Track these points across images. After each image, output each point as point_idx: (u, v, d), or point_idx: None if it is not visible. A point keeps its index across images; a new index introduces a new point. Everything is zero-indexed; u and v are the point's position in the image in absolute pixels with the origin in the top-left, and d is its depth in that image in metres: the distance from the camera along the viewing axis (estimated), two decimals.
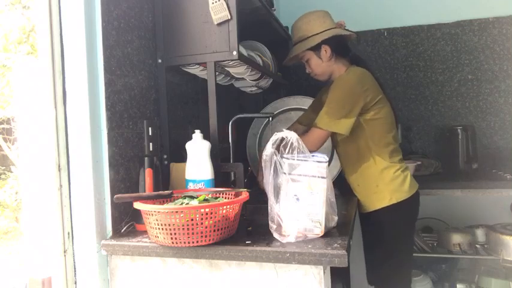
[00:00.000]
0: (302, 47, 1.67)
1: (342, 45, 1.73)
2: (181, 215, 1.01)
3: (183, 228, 1.02)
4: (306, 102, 2.02)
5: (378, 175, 1.64)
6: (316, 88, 2.34)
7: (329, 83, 1.78)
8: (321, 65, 1.69)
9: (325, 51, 1.67)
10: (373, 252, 1.77)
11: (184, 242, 1.03)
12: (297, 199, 1.08)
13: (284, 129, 1.14)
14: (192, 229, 1.02)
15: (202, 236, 1.03)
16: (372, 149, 1.64)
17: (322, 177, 1.09)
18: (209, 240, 1.04)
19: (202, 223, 1.02)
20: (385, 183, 1.63)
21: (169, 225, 1.02)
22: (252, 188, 1.36)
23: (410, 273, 1.78)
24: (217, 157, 1.39)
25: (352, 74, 1.63)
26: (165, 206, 1.11)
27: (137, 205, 1.08)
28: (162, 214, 1.02)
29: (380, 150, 1.65)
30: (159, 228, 1.04)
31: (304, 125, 1.88)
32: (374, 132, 1.63)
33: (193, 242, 1.03)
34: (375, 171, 1.64)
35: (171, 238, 1.03)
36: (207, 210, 1.02)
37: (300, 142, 1.12)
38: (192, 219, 1.01)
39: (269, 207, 1.11)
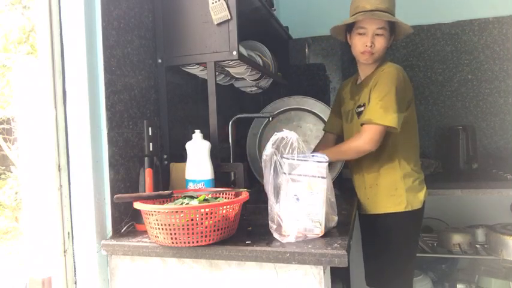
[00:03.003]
0: (393, 19, 1.56)
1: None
2: (181, 215, 1.01)
3: (183, 228, 1.02)
4: (306, 102, 2.02)
5: (399, 179, 1.61)
6: (317, 88, 2.33)
7: (349, 77, 1.72)
8: (386, 48, 1.62)
9: (390, 39, 1.64)
10: (377, 255, 1.72)
11: (184, 242, 1.03)
12: (297, 199, 1.08)
13: (284, 129, 1.14)
14: (192, 229, 1.02)
15: (202, 236, 1.03)
16: (399, 151, 1.60)
17: (322, 177, 1.09)
18: (209, 240, 1.04)
19: (202, 223, 1.02)
20: (405, 189, 1.60)
21: (169, 225, 1.02)
22: (252, 188, 1.36)
23: (412, 277, 1.77)
24: (217, 157, 1.39)
25: (397, 68, 1.58)
26: (165, 206, 1.11)
27: (137, 205, 1.08)
28: (162, 214, 1.02)
29: (407, 154, 1.62)
30: (159, 228, 1.04)
31: (334, 134, 1.84)
32: (405, 134, 1.58)
33: (193, 242, 1.03)
34: (398, 175, 1.61)
35: (171, 238, 1.03)
36: (207, 210, 1.02)
37: (300, 142, 1.12)
38: (192, 219, 1.01)
39: (269, 207, 1.11)
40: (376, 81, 1.54)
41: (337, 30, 1.71)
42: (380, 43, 1.58)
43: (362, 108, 1.62)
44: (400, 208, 1.60)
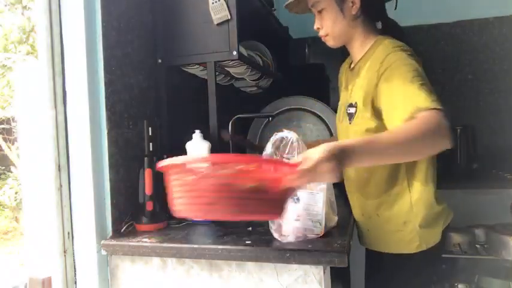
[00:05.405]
0: None
1: (377, 2, 1.26)
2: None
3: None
4: (306, 102, 2.02)
5: (409, 207, 1.19)
6: (317, 88, 2.32)
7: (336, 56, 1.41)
8: (340, 22, 1.21)
9: (353, 3, 1.20)
10: None
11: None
12: (297, 199, 1.08)
13: (284, 129, 1.14)
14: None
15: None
16: (407, 166, 1.18)
17: None
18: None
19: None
20: (417, 221, 1.19)
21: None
22: None
23: None
24: None
25: (400, 46, 1.15)
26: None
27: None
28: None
29: (418, 168, 1.19)
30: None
31: None
32: None
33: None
34: (407, 201, 1.20)
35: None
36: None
37: (300, 142, 1.12)
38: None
39: None
40: (385, 68, 1.11)
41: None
42: (325, 20, 1.22)
43: (353, 110, 1.22)
44: (411, 249, 1.20)
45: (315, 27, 1.27)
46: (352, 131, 1.23)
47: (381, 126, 1.13)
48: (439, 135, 0.92)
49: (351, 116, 1.23)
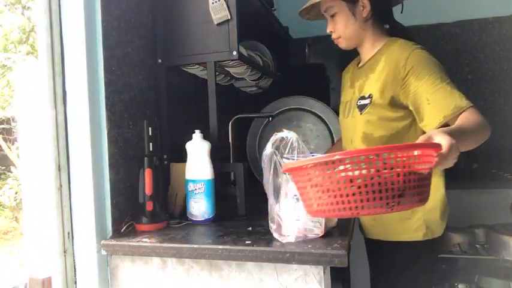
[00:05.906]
0: None
1: (385, 6, 1.33)
2: None
3: None
4: (306, 102, 2.02)
5: None
6: (317, 88, 2.32)
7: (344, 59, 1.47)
8: (352, 24, 1.28)
9: (363, 7, 1.27)
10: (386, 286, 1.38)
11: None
12: (297, 199, 1.07)
13: (284, 129, 1.14)
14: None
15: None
16: None
17: None
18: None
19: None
20: (425, 210, 1.25)
21: None
22: (252, 188, 1.35)
23: None
24: (217, 157, 1.39)
25: (416, 44, 1.25)
26: None
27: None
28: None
29: None
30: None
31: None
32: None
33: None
34: None
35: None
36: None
37: (300, 142, 1.12)
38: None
39: (269, 207, 1.11)
40: (412, 65, 1.19)
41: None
42: (338, 24, 1.30)
43: (366, 101, 1.28)
44: (417, 236, 1.26)
45: (328, 30, 1.35)
46: (363, 121, 1.30)
47: (395, 117, 1.24)
48: (487, 127, 1.08)
49: (362, 107, 1.29)
